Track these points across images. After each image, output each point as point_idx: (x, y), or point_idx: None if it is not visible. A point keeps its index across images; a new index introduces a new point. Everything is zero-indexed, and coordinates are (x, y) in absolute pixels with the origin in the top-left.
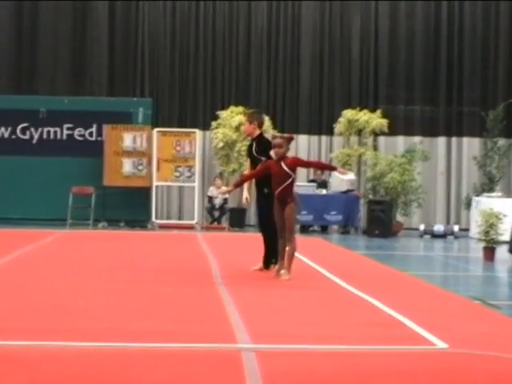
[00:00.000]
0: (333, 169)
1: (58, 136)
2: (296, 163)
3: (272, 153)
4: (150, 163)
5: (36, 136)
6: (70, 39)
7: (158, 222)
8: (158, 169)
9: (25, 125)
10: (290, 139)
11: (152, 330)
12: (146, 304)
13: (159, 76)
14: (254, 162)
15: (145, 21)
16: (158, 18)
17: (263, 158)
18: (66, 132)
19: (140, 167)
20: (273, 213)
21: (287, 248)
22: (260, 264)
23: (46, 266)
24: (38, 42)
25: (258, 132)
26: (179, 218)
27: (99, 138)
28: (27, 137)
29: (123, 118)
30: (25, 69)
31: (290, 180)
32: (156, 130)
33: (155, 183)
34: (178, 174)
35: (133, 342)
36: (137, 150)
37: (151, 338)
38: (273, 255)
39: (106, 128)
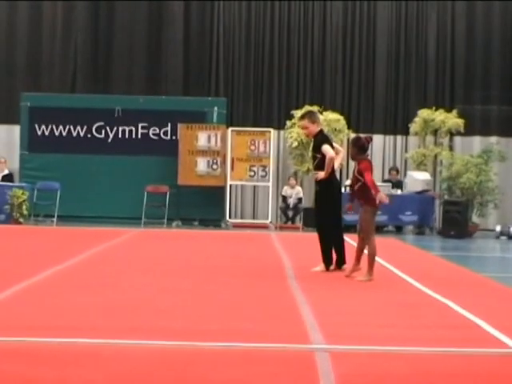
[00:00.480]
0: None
1: (133, 135)
2: (361, 170)
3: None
4: (224, 162)
5: (111, 135)
6: (146, 39)
7: (232, 221)
8: (233, 168)
9: (100, 124)
10: (356, 140)
11: (227, 330)
12: (220, 303)
13: (234, 75)
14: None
15: (220, 20)
16: (232, 17)
17: (319, 156)
18: (141, 131)
19: (214, 166)
20: (324, 210)
21: (366, 250)
22: (321, 265)
23: (120, 265)
24: (114, 41)
25: (319, 129)
26: (253, 218)
27: (174, 137)
28: (103, 136)
29: (198, 118)
30: (101, 68)
31: (360, 183)
32: (230, 129)
33: (229, 182)
34: (252, 173)
35: (208, 342)
36: (211, 149)
37: (226, 337)
38: (328, 253)
39: (180, 127)
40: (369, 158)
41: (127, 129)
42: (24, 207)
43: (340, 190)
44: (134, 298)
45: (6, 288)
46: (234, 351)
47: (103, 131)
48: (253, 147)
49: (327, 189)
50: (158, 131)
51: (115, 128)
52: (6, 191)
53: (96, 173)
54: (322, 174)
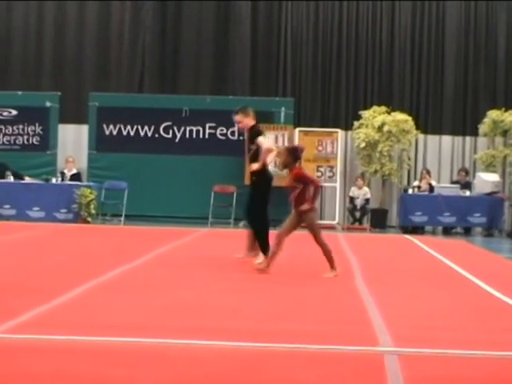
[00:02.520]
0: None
1: (201, 135)
2: (300, 177)
3: None
4: None
5: (179, 135)
6: (213, 38)
7: None
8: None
9: (168, 123)
10: (293, 149)
11: (294, 331)
12: (287, 304)
13: (301, 75)
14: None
15: (287, 20)
16: (300, 17)
17: (253, 147)
18: (208, 131)
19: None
20: (259, 205)
21: (323, 251)
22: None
23: (187, 264)
24: (182, 41)
25: (253, 123)
26: (320, 218)
27: (241, 137)
28: (170, 135)
29: (265, 118)
30: (168, 68)
31: (298, 190)
32: (298, 129)
33: None
34: (319, 173)
35: (275, 343)
36: (279, 149)
37: (293, 338)
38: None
39: None
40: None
41: (194, 129)
42: (92, 206)
43: (271, 182)
44: (202, 297)
45: (75, 287)
46: (301, 353)
47: (171, 131)
48: (320, 148)
49: (262, 180)
50: (225, 131)
51: (182, 128)
52: (74, 190)
53: (163, 173)
54: (256, 165)
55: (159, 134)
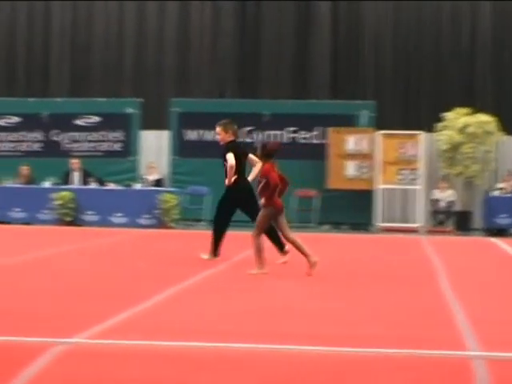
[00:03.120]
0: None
1: (282, 139)
2: (264, 172)
3: None
4: (372, 166)
5: (260, 139)
6: (293, 42)
7: (381, 225)
8: (382, 172)
9: (249, 128)
10: (263, 146)
11: (380, 335)
12: (372, 308)
13: (383, 78)
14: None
15: (368, 22)
16: (380, 18)
17: (224, 162)
18: (289, 135)
19: (363, 170)
20: (223, 211)
21: (254, 248)
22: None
23: (271, 269)
24: (261, 45)
25: (231, 139)
26: (403, 221)
27: (322, 141)
28: (252, 140)
29: (347, 121)
30: (248, 73)
31: (262, 184)
32: (379, 132)
33: (379, 186)
34: (401, 176)
35: (361, 348)
36: (360, 152)
37: (379, 343)
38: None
39: (329, 131)
40: (273, 162)
41: (276, 133)
42: (174, 212)
43: (246, 193)
44: (285, 302)
45: (158, 292)
46: (388, 357)
47: (252, 135)
48: (402, 150)
49: (234, 191)
50: (306, 135)
51: (264, 132)
52: (157, 196)
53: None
54: (226, 181)
55: (241, 138)
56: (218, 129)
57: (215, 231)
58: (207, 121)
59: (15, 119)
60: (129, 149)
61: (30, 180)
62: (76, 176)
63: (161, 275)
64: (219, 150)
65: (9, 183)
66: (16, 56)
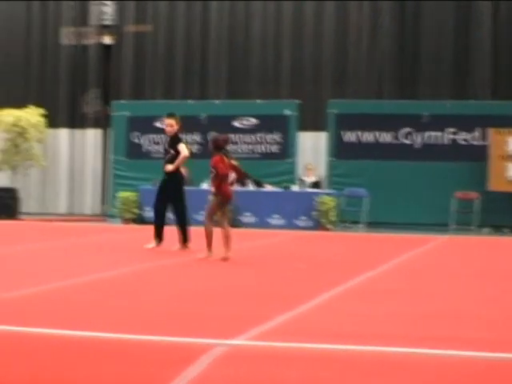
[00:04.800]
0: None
1: (441, 140)
2: (213, 163)
3: None
4: None
5: (418, 141)
6: (453, 42)
7: None
8: None
9: (407, 130)
10: (214, 140)
11: None
12: None
13: None
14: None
15: None
16: None
17: (173, 152)
18: (448, 136)
19: None
20: (160, 200)
21: (205, 232)
22: (153, 242)
23: (429, 272)
24: (421, 45)
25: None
26: None
27: (483, 142)
28: (410, 142)
29: (508, 122)
30: (407, 73)
31: (212, 174)
32: None
33: None
34: None
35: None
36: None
37: None
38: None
39: (490, 132)
40: (224, 154)
41: (435, 134)
42: (332, 214)
43: (183, 181)
44: (443, 306)
45: (317, 295)
46: None
47: (410, 137)
48: None
49: (171, 179)
50: (466, 136)
51: (422, 134)
52: (314, 198)
53: (403, 179)
54: (170, 167)
55: (398, 140)
56: (170, 120)
57: (155, 222)
58: (365, 122)
59: None
60: (286, 151)
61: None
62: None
63: (320, 277)
64: (378, 152)
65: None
66: (174, 59)
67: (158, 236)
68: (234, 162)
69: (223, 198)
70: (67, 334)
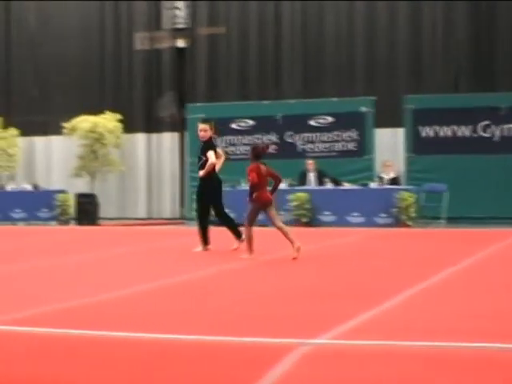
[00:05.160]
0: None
1: None
2: (249, 172)
3: None
4: None
5: (497, 133)
6: None
7: None
8: None
9: (486, 122)
10: (252, 149)
11: None
12: None
13: None
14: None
15: None
16: None
17: (204, 158)
18: None
19: None
20: (200, 205)
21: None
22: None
23: (509, 268)
24: (496, 35)
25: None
26: None
27: None
28: (488, 135)
29: None
30: (483, 66)
31: (249, 183)
32: None
33: None
34: None
35: None
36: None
37: None
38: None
39: None
40: (261, 162)
41: None
42: (411, 210)
43: (220, 185)
44: None
45: (400, 291)
46: None
47: (489, 130)
48: None
49: (206, 184)
50: None
51: (501, 126)
52: (393, 194)
53: (482, 173)
54: (202, 173)
55: (477, 133)
56: (204, 125)
57: (199, 227)
58: (442, 116)
59: (249, 122)
60: (364, 148)
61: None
62: (311, 177)
63: (401, 274)
64: (456, 146)
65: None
66: (248, 60)
67: (204, 240)
68: (271, 170)
69: (259, 204)
70: (153, 337)
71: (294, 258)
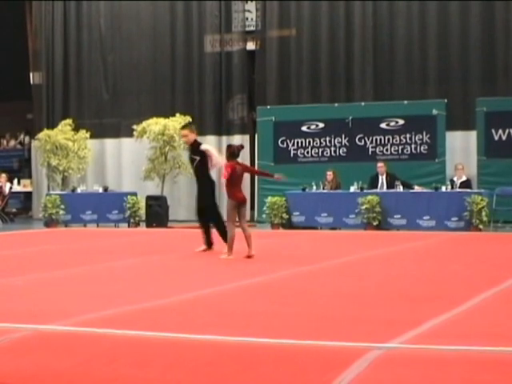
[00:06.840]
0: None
1: None
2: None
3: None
4: None
5: None
6: None
7: None
8: None
9: None
10: (227, 148)
11: None
12: None
13: None
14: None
15: None
16: None
17: (197, 158)
18: None
19: None
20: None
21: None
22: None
23: None
24: None
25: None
26: None
27: None
28: None
29: None
30: None
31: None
32: None
33: None
34: None
35: None
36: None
37: None
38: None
39: None
40: (237, 161)
41: None
42: (483, 213)
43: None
44: None
45: (474, 296)
46: None
47: None
48: None
49: (206, 184)
50: None
51: None
52: (465, 198)
53: None
54: (221, 159)
55: None
56: (183, 131)
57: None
58: None
59: (320, 125)
60: (435, 151)
61: (337, 185)
62: (382, 180)
63: (475, 278)
64: None
65: (315, 189)
66: (319, 62)
67: (207, 241)
68: (246, 166)
69: (234, 201)
70: (226, 339)
71: (248, 257)
